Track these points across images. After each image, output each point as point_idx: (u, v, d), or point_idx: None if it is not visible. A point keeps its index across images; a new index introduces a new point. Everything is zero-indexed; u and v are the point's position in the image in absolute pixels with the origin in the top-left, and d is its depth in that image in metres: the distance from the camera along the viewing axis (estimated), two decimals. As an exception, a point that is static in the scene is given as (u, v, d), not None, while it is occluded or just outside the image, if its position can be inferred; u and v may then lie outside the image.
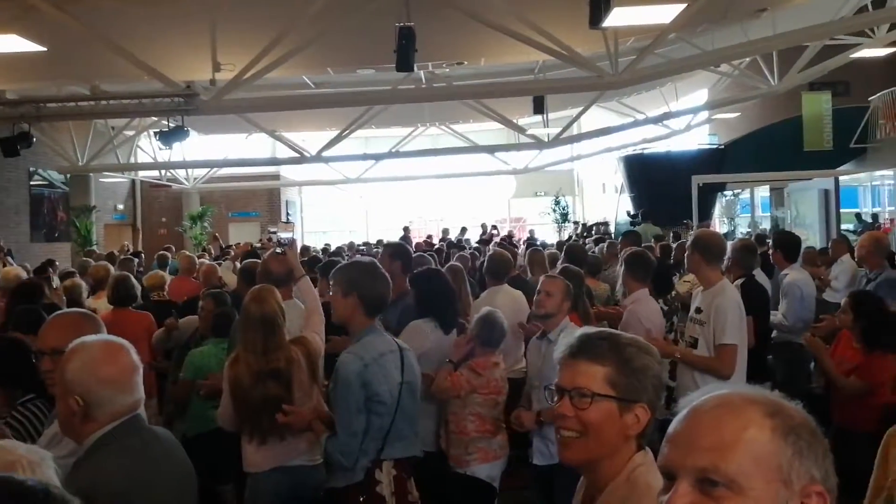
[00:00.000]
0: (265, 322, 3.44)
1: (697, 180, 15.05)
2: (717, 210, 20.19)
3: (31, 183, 16.74)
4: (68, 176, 17.78)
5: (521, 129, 16.75)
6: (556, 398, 1.69)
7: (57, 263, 10.35)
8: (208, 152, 20.96)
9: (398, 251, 5.30)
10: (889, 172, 15.86)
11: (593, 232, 16.88)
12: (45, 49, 7.92)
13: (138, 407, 2.20)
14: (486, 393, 4.08)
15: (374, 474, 3.08)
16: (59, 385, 2.19)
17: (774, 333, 5.94)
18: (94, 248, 13.84)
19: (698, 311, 4.34)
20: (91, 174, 18.04)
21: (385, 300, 3.26)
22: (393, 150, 19.78)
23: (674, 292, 6.11)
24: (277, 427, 3.33)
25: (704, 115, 19.63)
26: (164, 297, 7.11)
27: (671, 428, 1.20)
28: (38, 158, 16.06)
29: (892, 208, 15.97)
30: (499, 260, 5.78)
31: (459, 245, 14.60)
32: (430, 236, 19.90)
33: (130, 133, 17.82)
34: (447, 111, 18.05)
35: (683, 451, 1.15)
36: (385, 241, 12.16)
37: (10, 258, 10.90)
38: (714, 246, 4.41)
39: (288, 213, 24.95)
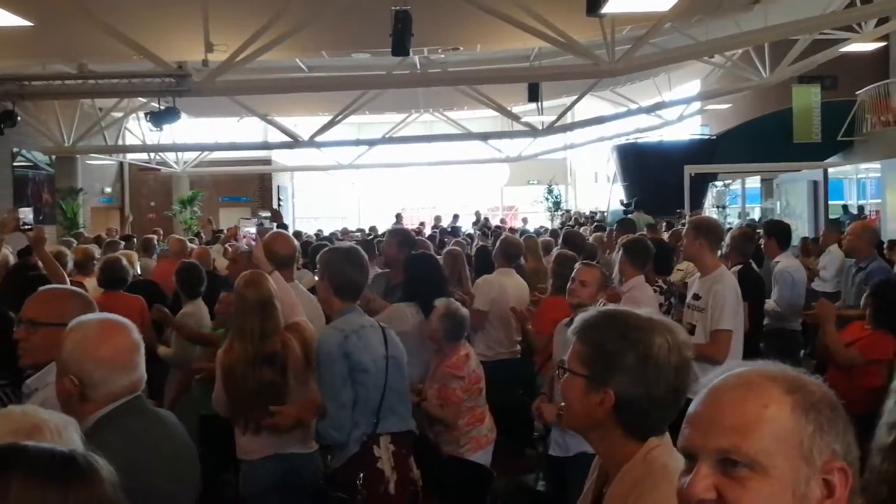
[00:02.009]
0: (262, 306, 3.39)
1: (689, 170, 15.13)
2: (709, 200, 20.30)
3: (15, 164, 16.45)
4: (53, 157, 17.50)
5: (515, 117, 16.72)
6: None
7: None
8: (199, 135, 20.77)
9: (406, 240, 5.29)
10: (875, 165, 16.01)
11: (595, 220, 16.92)
12: (32, 24, 7.75)
13: (139, 387, 2.14)
14: (470, 388, 4.08)
15: (372, 450, 3.09)
16: (56, 364, 2.15)
17: (766, 321, 5.98)
18: (83, 230, 13.67)
19: (696, 297, 4.33)
20: (77, 156, 17.80)
21: (358, 286, 3.30)
22: (386, 136, 19.69)
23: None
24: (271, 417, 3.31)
25: (697, 105, 19.72)
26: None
27: (691, 408, 1.18)
28: (22, 139, 15.77)
29: (878, 200, 16.12)
30: (511, 244, 5.92)
31: (453, 232, 14.56)
32: (422, 223, 19.86)
33: (119, 114, 17.59)
34: (441, 97, 17.98)
35: (704, 431, 1.14)
36: (381, 229, 12.13)
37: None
38: (716, 230, 4.45)
39: (279, 199, 24.82)
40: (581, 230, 11.13)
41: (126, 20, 8.96)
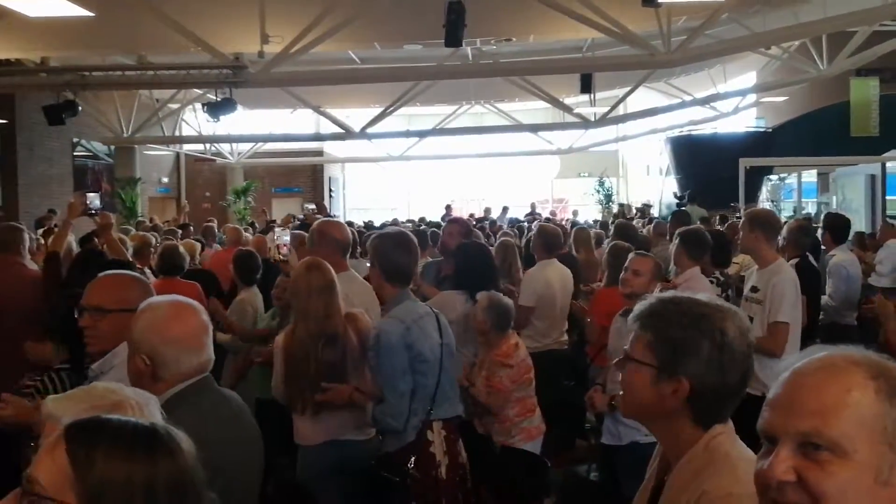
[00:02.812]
0: (325, 288, 3.42)
1: (745, 163, 14.84)
2: (763, 194, 19.89)
3: (75, 154, 16.96)
4: (112, 147, 17.98)
5: (567, 109, 16.58)
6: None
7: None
8: (253, 127, 21.10)
9: (466, 230, 5.31)
10: (933, 161, 15.49)
11: (648, 213, 16.73)
12: (93, 15, 7.93)
13: (207, 368, 2.19)
14: (519, 377, 4.08)
15: (425, 434, 3.12)
16: (129, 344, 2.20)
17: (821, 315, 5.88)
18: (142, 219, 14.03)
19: (754, 289, 4.27)
20: (136, 146, 18.23)
21: (407, 271, 3.30)
22: (437, 128, 19.73)
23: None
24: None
25: (752, 98, 19.33)
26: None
27: (771, 392, 1.17)
28: (82, 129, 16.20)
29: (936, 197, 15.63)
30: (550, 233, 5.82)
31: (502, 224, 14.54)
32: (471, 215, 19.85)
33: (175, 106, 17.98)
34: (492, 89, 17.93)
35: (785, 414, 1.13)
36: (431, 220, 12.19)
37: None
38: (773, 223, 4.38)
39: (331, 190, 25.09)
40: (634, 223, 11.01)
41: (184, 12, 9.12)
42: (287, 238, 4.08)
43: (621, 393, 1.70)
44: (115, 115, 16.72)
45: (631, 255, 4.20)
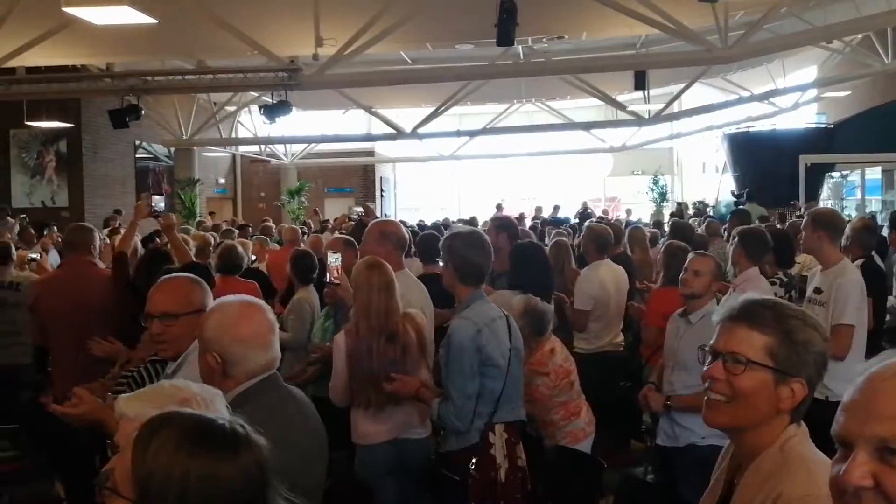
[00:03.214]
0: (386, 286, 3.48)
1: (805, 160, 14.48)
2: (824, 192, 19.36)
3: (137, 156, 17.51)
4: (172, 150, 18.49)
5: (621, 106, 16.41)
6: (709, 360, 1.66)
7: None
8: (306, 128, 21.43)
9: (504, 223, 5.30)
10: None
11: (704, 212, 16.43)
12: (156, 22, 8.14)
13: (274, 365, 2.24)
14: (558, 383, 4.04)
15: (487, 436, 3.12)
16: (199, 343, 2.26)
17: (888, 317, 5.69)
18: (201, 219, 14.38)
19: (817, 291, 4.16)
20: (195, 148, 18.69)
21: (482, 269, 3.28)
22: (487, 127, 19.71)
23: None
24: (392, 395, 3.37)
25: (813, 93, 18.78)
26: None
27: (846, 396, 1.15)
28: (143, 132, 16.68)
29: None
30: (600, 234, 5.74)
31: (555, 223, 14.46)
32: (521, 214, 19.78)
33: (232, 108, 18.37)
34: (544, 87, 17.84)
35: (861, 419, 1.10)
36: (482, 220, 12.21)
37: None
38: (837, 222, 4.25)
39: (382, 190, 25.29)
40: (689, 222, 10.83)
41: (241, 17, 9.33)
42: (339, 261, 4.12)
43: (722, 399, 1.61)
44: (174, 118, 17.17)
45: (691, 255, 4.13)
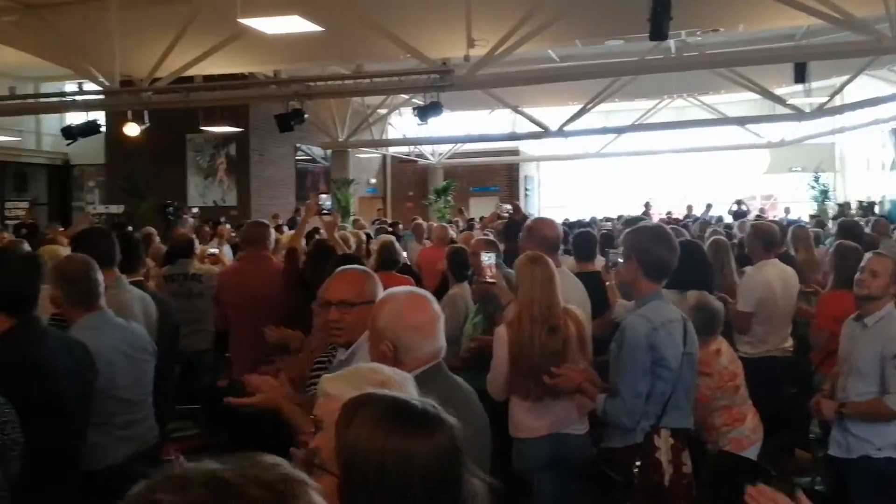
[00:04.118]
0: (548, 280, 3.55)
1: None
2: None
3: (296, 158, 18.54)
4: (328, 152, 19.40)
5: (780, 100, 15.56)
6: None
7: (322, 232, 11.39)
8: (452, 128, 21.83)
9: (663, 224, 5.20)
10: None
11: (871, 211, 15.32)
12: (322, 29, 8.55)
13: (440, 354, 2.34)
14: (721, 385, 3.90)
15: (653, 439, 3.08)
16: (371, 332, 2.37)
17: None
18: (358, 218, 15.01)
19: None
20: (349, 150, 19.52)
21: (667, 265, 3.21)
22: (636, 124, 19.27)
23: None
24: (552, 388, 3.40)
25: None
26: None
27: None
28: (303, 135, 17.58)
29: None
30: (767, 231, 5.47)
31: (705, 221, 13.94)
32: (669, 213, 19.22)
33: (384, 111, 19.02)
34: (696, 81, 17.20)
35: None
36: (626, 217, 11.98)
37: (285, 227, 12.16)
38: None
39: (526, 188, 25.32)
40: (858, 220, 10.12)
41: (396, 22, 9.66)
42: (493, 259, 4.20)
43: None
44: (331, 122, 18.01)
45: (868, 255, 3.90)
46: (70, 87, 12.16)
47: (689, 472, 3.15)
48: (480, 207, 21.47)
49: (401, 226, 11.75)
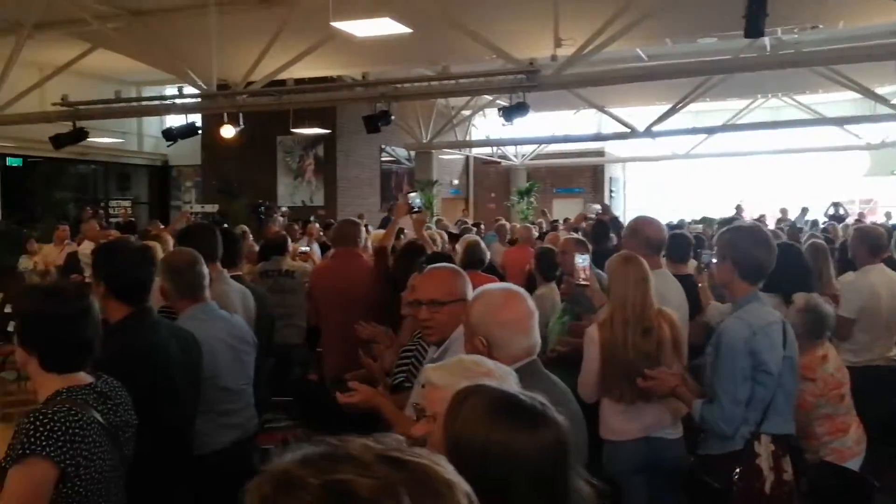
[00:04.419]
0: (642, 280, 3.50)
1: None
2: None
3: (382, 159, 18.82)
4: (412, 153, 19.61)
5: (882, 100, 14.84)
6: None
7: (406, 233, 11.52)
8: (536, 129, 21.71)
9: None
10: None
11: None
12: (411, 31, 8.64)
13: (534, 351, 2.34)
14: (825, 393, 3.77)
15: (753, 446, 3.00)
16: (465, 327, 2.41)
17: None
18: (441, 219, 15.13)
19: None
20: (433, 151, 19.67)
21: (764, 266, 3.13)
22: (728, 124, 18.71)
23: None
24: (645, 391, 3.35)
25: None
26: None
27: None
28: (388, 136, 17.79)
29: None
30: (873, 234, 5.28)
31: (795, 226, 13.44)
32: (762, 216, 18.57)
33: (467, 112, 19.08)
34: (792, 80, 16.55)
35: None
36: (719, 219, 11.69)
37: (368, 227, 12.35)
38: None
39: (611, 190, 24.96)
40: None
41: (482, 22, 9.67)
42: (587, 261, 4.16)
43: None
44: (416, 123, 18.19)
45: None
46: (170, 90, 12.66)
47: (790, 479, 3.06)
48: (564, 209, 21.30)
49: (483, 226, 11.75)
